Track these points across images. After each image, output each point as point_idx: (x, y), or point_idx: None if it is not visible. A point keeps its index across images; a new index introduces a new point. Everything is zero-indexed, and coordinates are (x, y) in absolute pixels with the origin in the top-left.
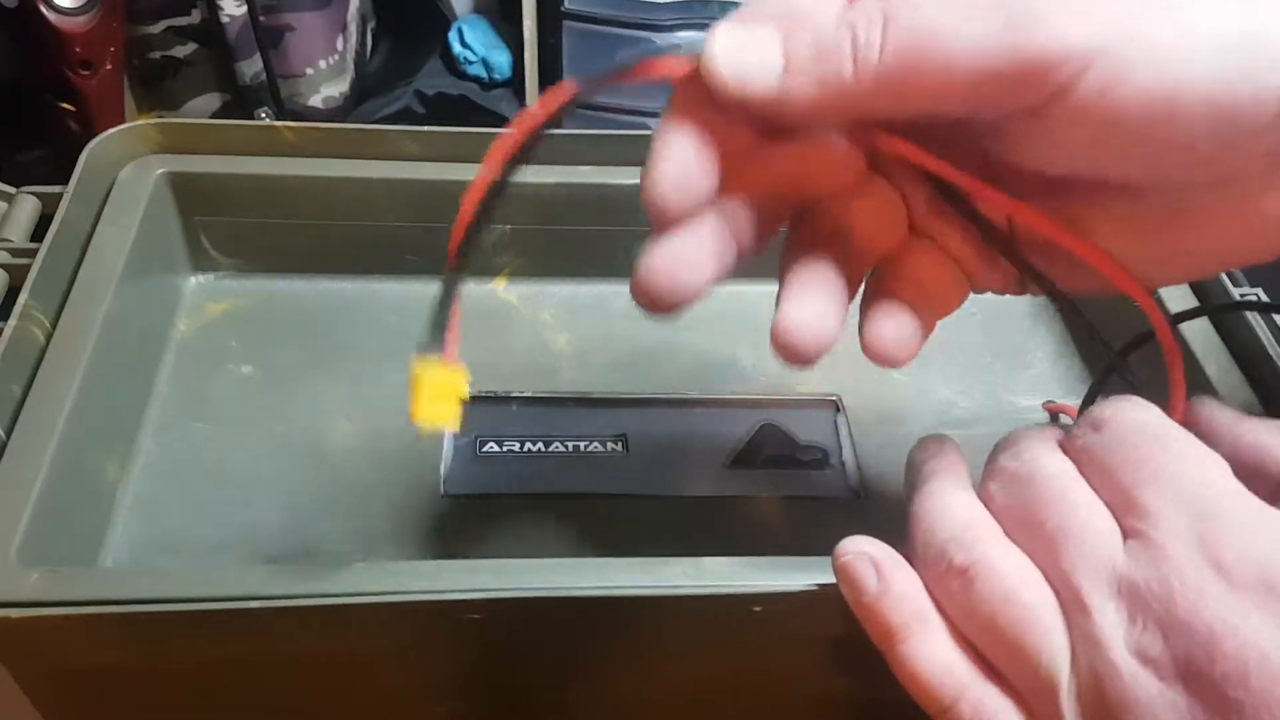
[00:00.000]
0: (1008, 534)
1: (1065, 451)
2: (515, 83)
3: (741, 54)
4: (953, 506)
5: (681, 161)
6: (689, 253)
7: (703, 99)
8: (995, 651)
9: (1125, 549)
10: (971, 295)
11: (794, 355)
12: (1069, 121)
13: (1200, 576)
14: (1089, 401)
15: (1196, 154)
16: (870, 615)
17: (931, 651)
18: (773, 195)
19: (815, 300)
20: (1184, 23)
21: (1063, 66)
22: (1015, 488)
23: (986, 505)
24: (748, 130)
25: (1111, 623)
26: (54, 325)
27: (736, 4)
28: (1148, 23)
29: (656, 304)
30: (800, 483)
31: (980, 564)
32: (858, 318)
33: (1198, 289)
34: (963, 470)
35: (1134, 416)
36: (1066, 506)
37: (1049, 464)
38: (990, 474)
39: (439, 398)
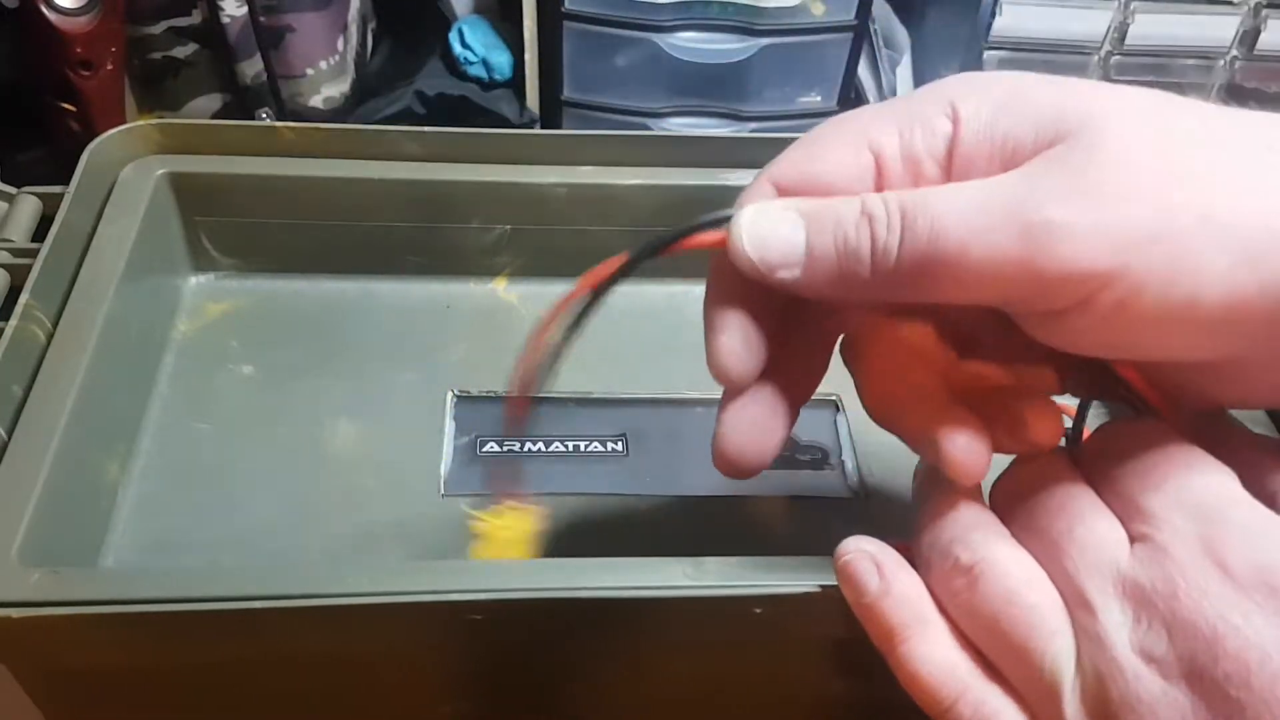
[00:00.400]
0: (1017, 536)
1: (1076, 465)
2: (515, 83)
3: (766, 241)
4: (959, 508)
5: (736, 332)
6: (759, 418)
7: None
8: (997, 652)
9: (1131, 552)
10: None
11: (970, 477)
12: (1090, 323)
13: (1205, 577)
14: (1085, 404)
15: (1235, 336)
16: (871, 615)
17: (932, 652)
18: (823, 339)
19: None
20: (1200, 233)
21: (1077, 287)
22: (1023, 493)
23: (995, 506)
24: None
25: (1116, 622)
26: (55, 325)
27: (737, 4)
28: (1163, 238)
29: (739, 471)
30: (800, 483)
31: (985, 563)
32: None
33: None
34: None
35: (1142, 431)
36: (1072, 511)
37: (1057, 472)
38: (999, 481)
39: None
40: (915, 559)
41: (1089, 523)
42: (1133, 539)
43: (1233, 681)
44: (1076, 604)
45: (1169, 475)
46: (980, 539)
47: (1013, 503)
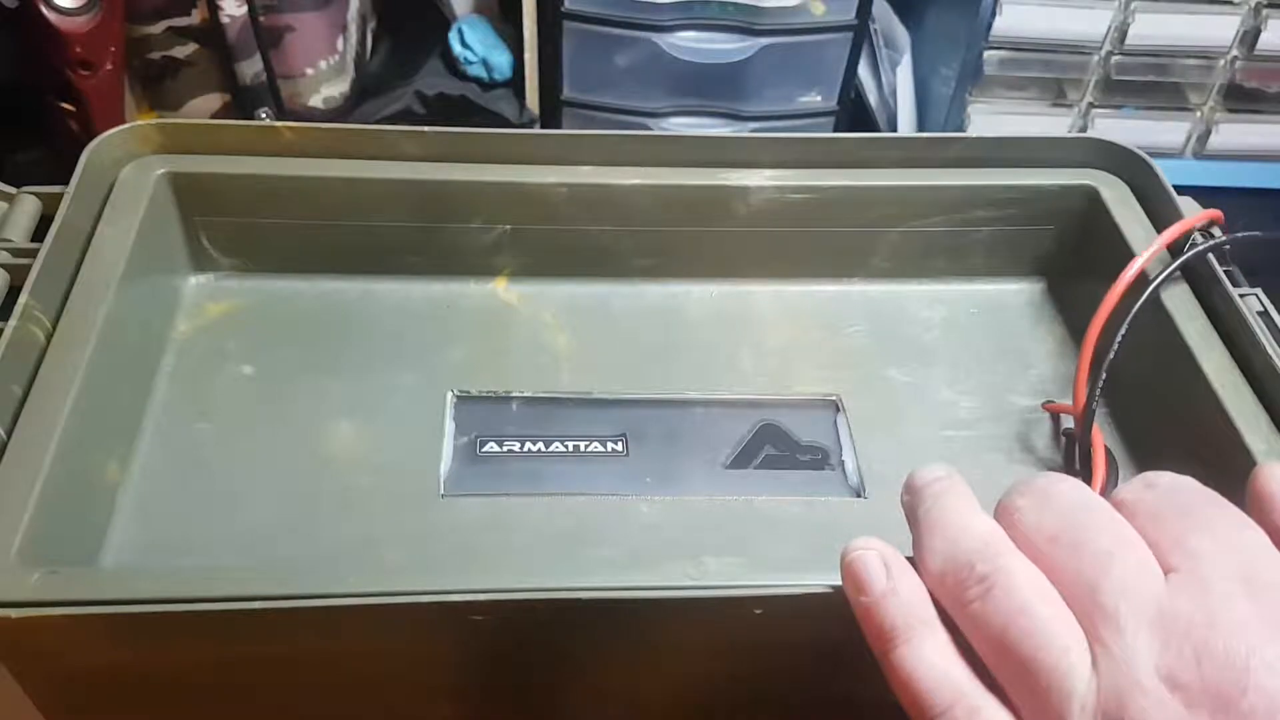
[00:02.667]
0: (1030, 552)
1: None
2: (515, 83)
3: None
4: (973, 521)
5: None
6: None
7: None
8: (1002, 663)
9: (1168, 581)
10: (973, 296)
11: None
12: None
13: (1245, 613)
14: (1090, 410)
15: None
16: (871, 614)
17: (931, 655)
18: None
19: None
20: None
21: None
22: (1056, 507)
23: (1006, 519)
24: None
25: (1143, 645)
26: (54, 325)
27: (737, 4)
28: None
29: None
30: (800, 483)
31: (1000, 573)
32: (853, 326)
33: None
34: (972, 494)
35: (1188, 481)
36: (1114, 534)
37: (1092, 496)
38: (1022, 491)
39: None
40: (919, 566)
41: (1130, 546)
42: (1169, 569)
43: (1257, 715)
44: (1103, 623)
45: (1214, 520)
46: (996, 551)
47: (1040, 514)
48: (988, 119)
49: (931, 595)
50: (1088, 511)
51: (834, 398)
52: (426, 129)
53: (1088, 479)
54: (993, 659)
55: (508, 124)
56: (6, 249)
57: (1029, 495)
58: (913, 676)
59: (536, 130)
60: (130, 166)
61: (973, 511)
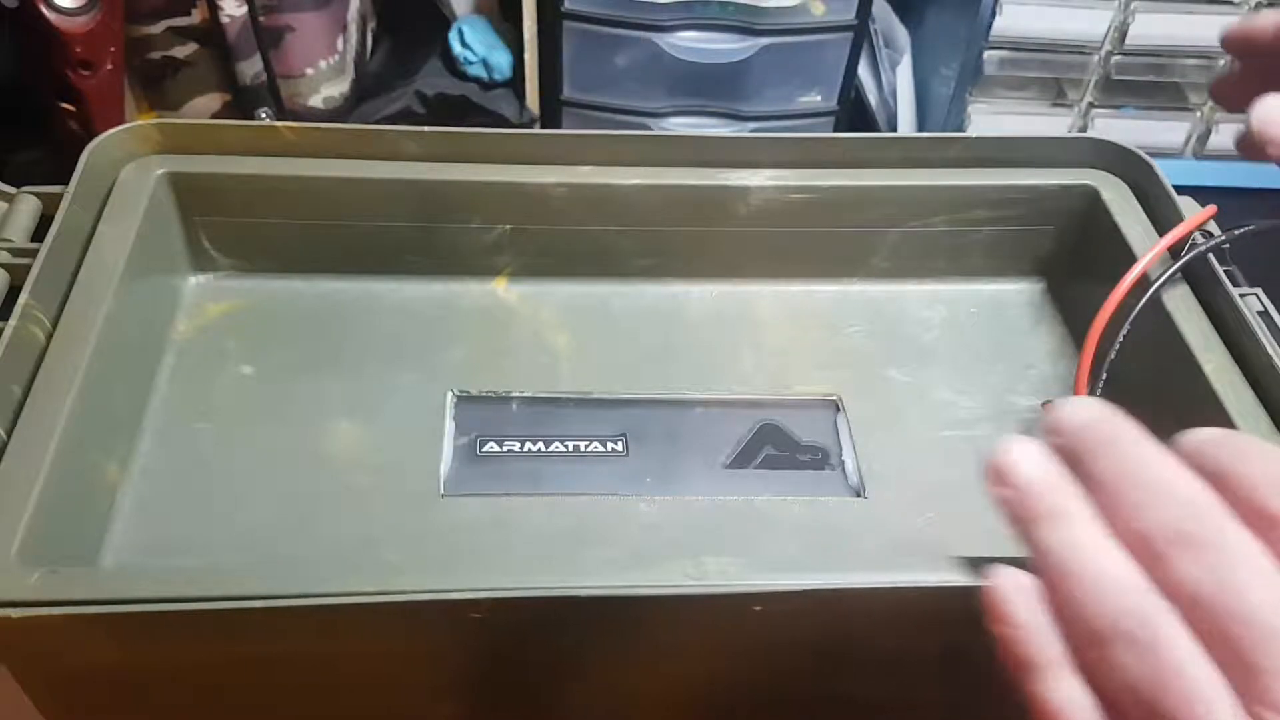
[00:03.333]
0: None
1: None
2: (515, 83)
3: None
4: (1109, 565)
5: None
6: None
7: None
8: (1139, 713)
9: None
10: (973, 296)
11: None
12: None
13: None
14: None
15: None
16: (1016, 645)
17: (1071, 693)
18: None
19: None
20: None
21: None
22: (1192, 557)
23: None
24: None
25: None
26: (54, 325)
27: (737, 4)
28: None
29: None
30: (800, 483)
31: (1158, 638)
32: (853, 326)
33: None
34: (1089, 507)
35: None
36: (1272, 603)
37: (1231, 530)
38: (1138, 518)
39: None
40: (1052, 602)
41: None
42: None
43: None
44: (1251, 695)
45: None
46: (1151, 610)
47: (1174, 566)
48: (988, 119)
49: (1069, 632)
50: (1230, 569)
51: (834, 398)
52: (426, 129)
53: None
54: (1130, 708)
55: (508, 124)
56: (6, 249)
57: (1149, 525)
58: (1058, 713)
59: (536, 130)
60: (130, 166)
61: (1107, 549)
